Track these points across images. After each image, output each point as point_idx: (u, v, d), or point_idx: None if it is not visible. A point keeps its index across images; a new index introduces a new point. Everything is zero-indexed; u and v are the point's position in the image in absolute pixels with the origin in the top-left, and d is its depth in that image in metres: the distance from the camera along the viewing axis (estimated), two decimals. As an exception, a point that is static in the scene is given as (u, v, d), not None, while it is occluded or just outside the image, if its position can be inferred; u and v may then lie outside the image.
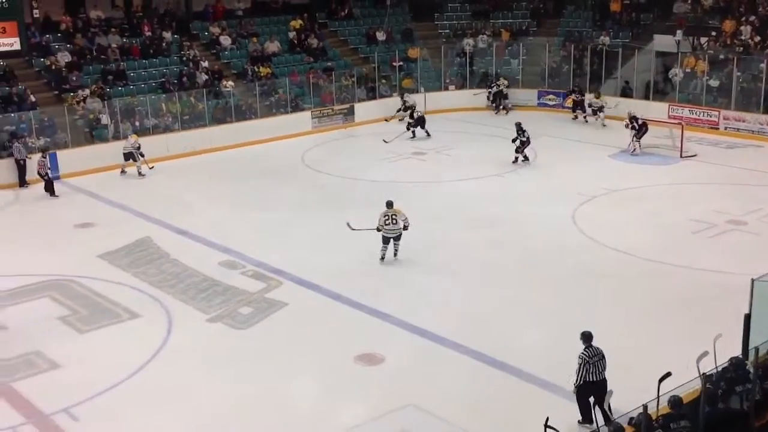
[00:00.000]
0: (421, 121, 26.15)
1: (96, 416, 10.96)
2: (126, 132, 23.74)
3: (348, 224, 16.07)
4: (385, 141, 25.23)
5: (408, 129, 26.11)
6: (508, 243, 16.88)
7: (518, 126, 22.48)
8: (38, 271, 15.81)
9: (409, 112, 27.19)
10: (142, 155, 22.61)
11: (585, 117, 27.87)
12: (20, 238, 18.01)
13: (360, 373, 11.95)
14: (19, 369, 12.16)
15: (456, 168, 22.84)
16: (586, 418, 10.06)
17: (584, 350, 10.02)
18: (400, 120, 27.97)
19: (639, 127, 23.63)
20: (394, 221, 15.54)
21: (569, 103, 28.75)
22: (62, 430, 10.63)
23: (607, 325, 13.03)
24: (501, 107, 29.57)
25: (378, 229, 15.67)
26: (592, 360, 9.93)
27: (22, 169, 21.80)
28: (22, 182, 21.83)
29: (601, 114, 27.13)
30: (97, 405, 11.19)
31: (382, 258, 15.76)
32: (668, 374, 8.95)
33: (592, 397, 9.96)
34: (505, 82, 29.88)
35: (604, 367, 9.96)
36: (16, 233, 18.36)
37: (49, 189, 21.05)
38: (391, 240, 15.67)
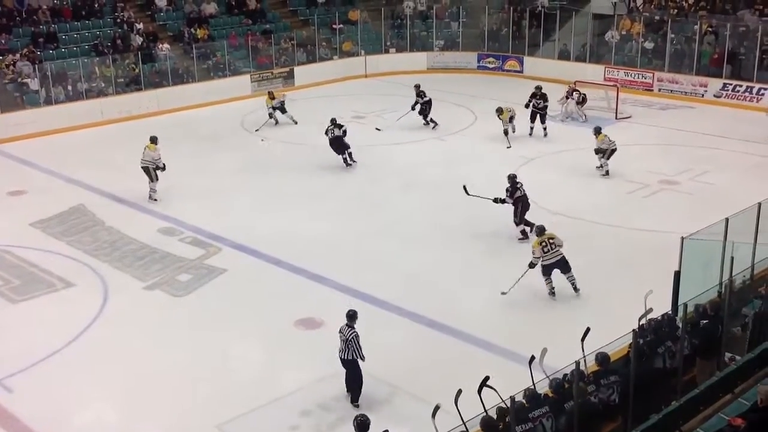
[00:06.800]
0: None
1: (31, 387, 10.82)
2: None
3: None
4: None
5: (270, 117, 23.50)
6: (447, 206, 16.96)
7: (417, 88, 22.70)
8: (-32, 240, 15.45)
9: None
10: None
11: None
12: (-51, 207, 17.49)
13: (300, 337, 12.00)
14: (-50, 341, 11.92)
15: (395, 132, 22.79)
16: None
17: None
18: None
19: (582, 99, 23.53)
20: (553, 246, 12.88)
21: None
22: (-4, 401, 10.47)
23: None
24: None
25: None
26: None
27: None
28: None
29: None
30: (32, 375, 11.05)
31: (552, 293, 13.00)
32: (588, 330, 9.17)
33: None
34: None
35: (342, 349, 10.31)
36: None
37: None
38: (555, 269, 12.95)
